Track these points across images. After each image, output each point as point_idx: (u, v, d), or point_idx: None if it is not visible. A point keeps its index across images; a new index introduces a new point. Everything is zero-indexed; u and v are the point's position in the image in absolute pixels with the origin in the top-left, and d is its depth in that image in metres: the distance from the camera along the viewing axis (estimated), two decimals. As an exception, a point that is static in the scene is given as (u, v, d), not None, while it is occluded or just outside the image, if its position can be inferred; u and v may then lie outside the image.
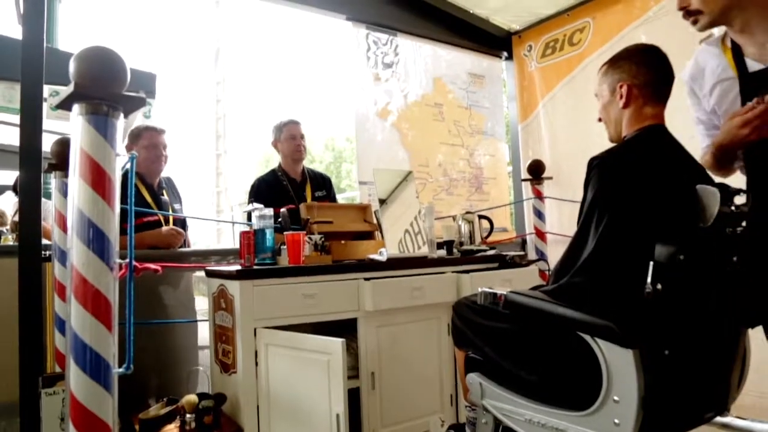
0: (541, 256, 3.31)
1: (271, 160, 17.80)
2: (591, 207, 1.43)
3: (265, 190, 2.93)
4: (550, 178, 3.37)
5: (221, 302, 2.19)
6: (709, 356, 1.39)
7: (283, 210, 2.52)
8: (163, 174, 2.88)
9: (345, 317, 2.22)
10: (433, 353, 2.42)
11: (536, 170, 3.31)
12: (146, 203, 2.71)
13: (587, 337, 1.37)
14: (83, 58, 1.25)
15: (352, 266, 2.28)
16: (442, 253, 2.69)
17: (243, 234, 2.20)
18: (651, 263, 1.29)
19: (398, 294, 2.29)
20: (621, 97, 1.52)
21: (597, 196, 1.42)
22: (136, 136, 2.75)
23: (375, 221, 2.74)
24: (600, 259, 1.38)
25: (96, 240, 1.24)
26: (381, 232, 2.61)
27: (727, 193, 1.37)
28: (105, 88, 1.26)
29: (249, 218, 2.48)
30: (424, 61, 3.37)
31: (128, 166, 1.39)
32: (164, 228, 2.70)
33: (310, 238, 2.38)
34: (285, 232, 2.27)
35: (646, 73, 1.51)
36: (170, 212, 2.79)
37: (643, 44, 1.57)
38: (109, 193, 1.26)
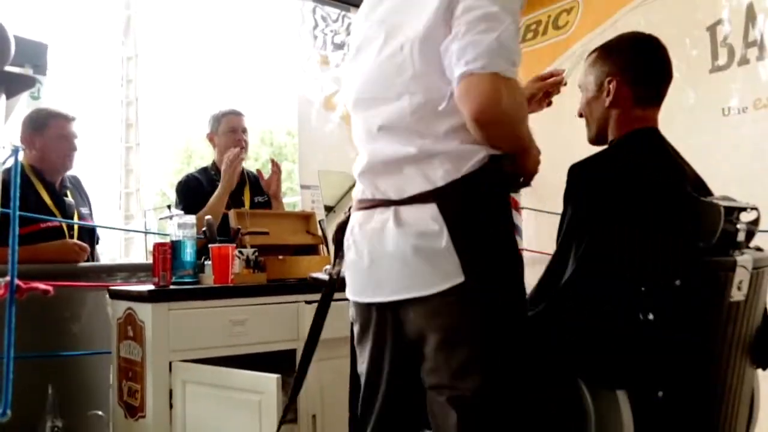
0: (517, 277, 3.35)
1: (194, 155, 17.44)
2: (570, 224, 1.46)
3: (194, 191, 2.87)
4: (528, 185, 3.42)
5: (128, 330, 2.12)
6: (711, 400, 1.43)
7: (208, 217, 2.48)
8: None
9: (281, 348, 2.20)
10: (388, 393, 2.41)
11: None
12: (45, 206, 2.60)
13: (571, 377, 1.39)
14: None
15: (292, 287, 2.26)
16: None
17: (157, 246, 2.15)
18: (642, 289, 1.32)
19: (345, 322, 2.27)
20: (608, 94, 1.55)
21: (577, 211, 1.46)
22: (41, 125, 2.64)
23: (320, 233, 2.72)
24: (581, 285, 1.40)
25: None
26: (327, 245, 2.60)
27: (733, 208, 1.42)
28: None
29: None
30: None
31: (10, 161, 1.33)
32: (68, 240, 2.60)
33: (240, 253, 2.34)
34: (210, 245, 2.22)
35: (640, 68, 1.55)
36: (75, 218, 2.71)
37: (640, 33, 1.62)
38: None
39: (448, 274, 1.17)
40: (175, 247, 2.28)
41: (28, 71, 1.25)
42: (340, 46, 3.28)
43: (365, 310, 1.37)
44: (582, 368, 1.36)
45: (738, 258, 1.42)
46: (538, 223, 3.58)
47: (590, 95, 1.61)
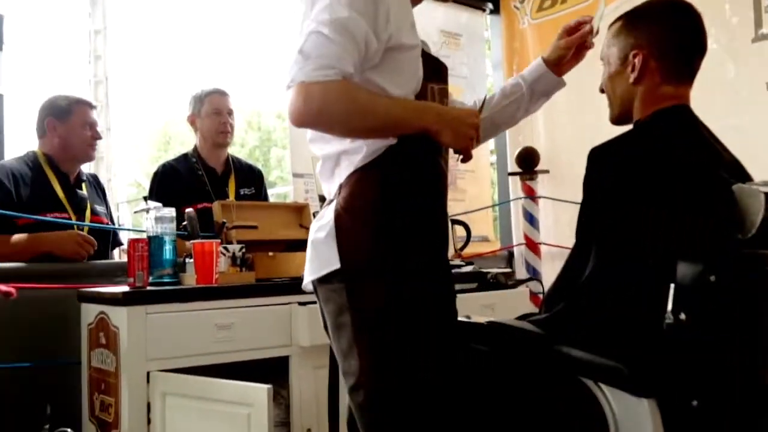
0: (534, 275, 3.36)
1: (173, 140, 17.37)
2: (592, 214, 1.46)
3: (173, 180, 2.89)
4: (546, 171, 3.43)
5: (100, 337, 2.13)
6: (751, 410, 1.43)
7: (189, 210, 2.48)
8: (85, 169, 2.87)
9: (272, 355, 2.20)
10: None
11: (528, 161, 3.36)
12: (56, 197, 2.63)
13: (590, 383, 1.39)
14: None
15: (283, 287, 2.26)
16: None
17: (132, 243, 2.15)
18: (672, 286, 1.32)
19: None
20: (633, 68, 1.55)
21: (599, 200, 1.45)
22: (66, 112, 2.69)
23: (314, 226, 2.72)
24: (604, 282, 1.41)
25: None
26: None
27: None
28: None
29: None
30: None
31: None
32: (73, 231, 2.61)
33: (226, 249, 2.35)
34: (192, 241, 2.22)
35: (671, 39, 1.54)
36: (87, 213, 2.74)
37: (673, 0, 1.60)
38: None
39: (328, 260, 1.36)
40: (153, 243, 2.29)
41: None
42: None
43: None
44: (606, 374, 1.37)
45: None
46: (557, 215, 3.57)
47: (613, 69, 1.60)
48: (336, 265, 1.35)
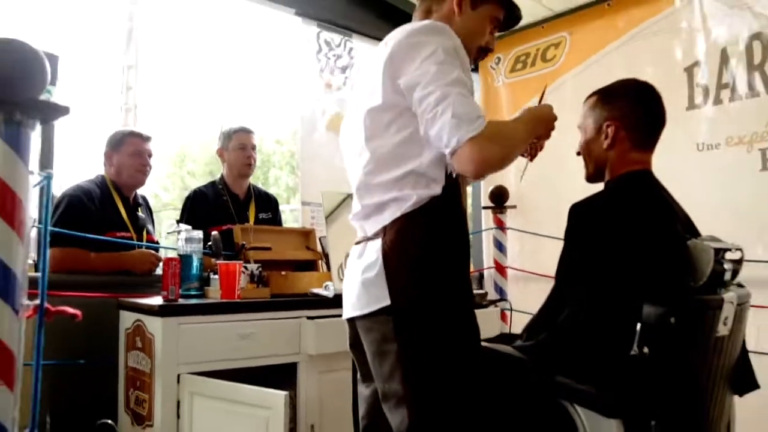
0: (501, 294, 3.37)
1: (186, 158, 17.25)
2: (572, 261, 1.47)
3: (202, 204, 2.84)
4: (513, 206, 3.45)
5: (136, 341, 2.08)
6: (698, 427, 1.44)
7: (215, 233, 2.45)
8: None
9: (284, 361, 2.17)
10: (382, 404, 2.39)
11: (499, 197, 3.38)
12: (121, 218, 2.61)
13: (566, 404, 1.39)
14: (-4, 56, 1.17)
15: (295, 303, 2.23)
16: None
17: (167, 261, 2.12)
18: (639, 325, 1.33)
19: (345, 336, 2.26)
20: (607, 137, 1.57)
21: (580, 250, 1.46)
22: (119, 142, 2.67)
23: (319, 249, 2.70)
24: (582, 319, 1.41)
25: (-1, 277, 1.15)
26: (327, 261, 2.58)
27: (720, 249, 1.44)
28: (19, 91, 1.18)
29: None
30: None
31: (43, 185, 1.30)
32: (145, 251, 2.61)
33: (245, 268, 2.32)
34: (217, 260, 2.19)
35: (639, 115, 1.57)
36: (143, 232, 2.71)
37: (639, 81, 1.63)
38: (18, 220, 1.18)
39: (378, 298, 1.32)
40: (183, 261, 2.26)
41: (65, 105, 1.22)
42: (342, 70, 3.27)
43: (348, 324, 1.54)
44: (581, 397, 1.37)
45: (724, 296, 1.44)
46: (522, 244, 3.59)
47: (589, 137, 1.62)
48: (386, 302, 1.30)
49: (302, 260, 2.67)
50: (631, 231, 1.42)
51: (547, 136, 1.52)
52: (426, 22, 1.37)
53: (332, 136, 3.18)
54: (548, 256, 3.35)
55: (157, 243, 2.84)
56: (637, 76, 2.92)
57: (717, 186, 2.72)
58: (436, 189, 1.34)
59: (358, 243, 1.48)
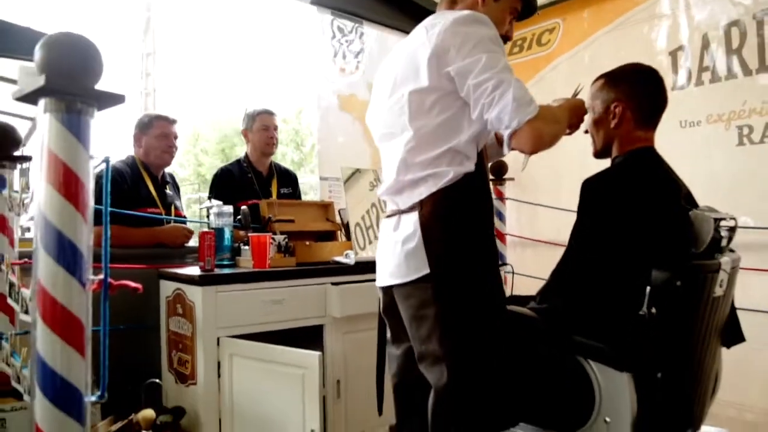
0: (502, 260, 3.36)
1: (200, 137, 17.09)
2: (586, 230, 1.46)
3: (229, 181, 2.80)
4: (512, 179, 3.43)
5: (177, 307, 2.07)
6: (695, 377, 1.45)
7: (244, 208, 2.43)
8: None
9: (311, 324, 2.17)
10: (399, 360, 2.40)
11: (499, 171, 3.36)
12: (150, 195, 2.58)
13: (582, 360, 1.40)
14: (54, 46, 1.12)
15: (320, 271, 2.22)
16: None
17: (203, 234, 2.09)
18: (648, 288, 1.33)
19: (366, 300, 2.25)
20: (614, 116, 1.54)
21: (593, 220, 1.45)
22: (147, 125, 2.63)
23: (338, 220, 2.68)
24: (595, 284, 1.40)
25: (67, 254, 1.12)
26: (348, 232, 2.56)
27: (718, 218, 1.43)
28: (80, 82, 1.13)
29: (207, 215, 2.36)
30: (389, 51, 3.31)
31: (101, 168, 1.27)
32: (178, 225, 2.60)
33: (273, 239, 2.30)
34: (249, 233, 2.17)
35: (643, 96, 1.54)
36: (172, 209, 2.68)
37: (643, 65, 1.60)
38: (82, 201, 1.15)
39: (418, 267, 1.32)
40: (216, 234, 2.24)
41: (120, 93, 1.19)
42: (355, 55, 3.21)
43: (381, 291, 1.53)
44: (595, 353, 1.37)
45: (721, 260, 1.43)
46: (519, 214, 3.58)
47: (597, 116, 1.59)
48: (425, 270, 1.31)
49: (323, 231, 2.65)
50: (639, 203, 1.41)
51: (578, 126, 1.53)
52: (468, 12, 1.34)
53: (345, 116, 3.14)
54: (543, 223, 3.38)
55: (185, 217, 2.81)
56: (625, 60, 2.91)
57: (698, 159, 2.70)
58: (470, 166, 1.34)
59: (389, 216, 1.47)
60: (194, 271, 2.08)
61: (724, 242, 1.45)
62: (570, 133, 1.53)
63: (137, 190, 2.54)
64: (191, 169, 16.95)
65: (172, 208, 2.66)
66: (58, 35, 1.15)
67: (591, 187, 1.46)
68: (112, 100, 1.20)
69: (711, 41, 2.76)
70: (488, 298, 1.35)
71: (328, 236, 2.67)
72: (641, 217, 1.39)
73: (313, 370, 1.72)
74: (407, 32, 3.34)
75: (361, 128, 3.19)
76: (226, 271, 2.09)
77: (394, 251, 1.39)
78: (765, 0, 2.59)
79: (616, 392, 1.34)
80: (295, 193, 2.94)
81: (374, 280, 2.27)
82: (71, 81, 1.12)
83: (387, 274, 1.43)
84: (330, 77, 3.09)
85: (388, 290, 1.47)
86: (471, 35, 1.29)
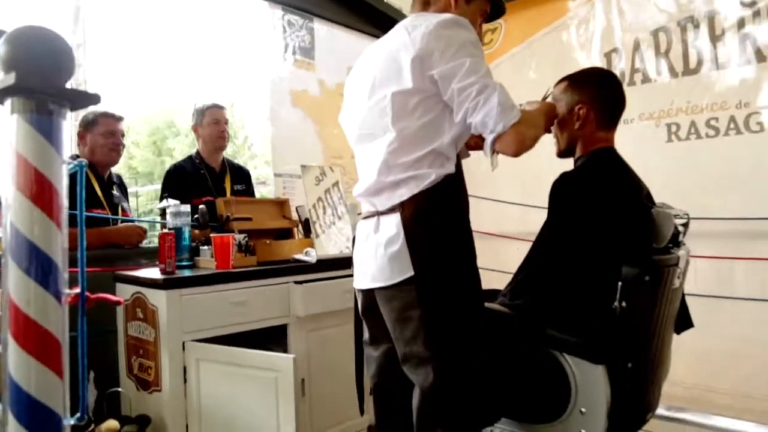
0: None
1: (132, 129, 16.13)
2: (556, 230, 1.47)
3: (181, 178, 2.63)
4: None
5: (137, 312, 1.93)
6: (656, 364, 1.51)
7: (202, 207, 2.31)
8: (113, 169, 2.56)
9: (275, 324, 2.09)
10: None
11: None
12: (96, 196, 2.36)
13: (557, 354, 1.41)
14: (23, 40, 0.99)
15: (283, 270, 2.14)
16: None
17: (163, 236, 1.96)
18: (619, 284, 1.36)
19: (329, 298, 2.20)
20: (578, 118, 1.57)
21: (562, 220, 1.46)
22: (91, 122, 2.40)
23: (294, 217, 2.60)
24: (567, 280, 1.42)
25: (40, 267, 1.00)
26: (306, 229, 2.49)
27: (675, 215, 1.48)
28: (51, 80, 1.01)
29: (163, 214, 2.22)
30: (339, 49, 3.23)
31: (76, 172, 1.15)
32: (129, 224, 2.41)
33: (233, 238, 2.20)
34: (208, 233, 2.05)
35: (605, 99, 1.57)
36: (119, 210, 2.48)
37: (604, 69, 1.64)
38: (55, 209, 1.02)
39: (402, 270, 1.29)
40: (175, 235, 2.11)
41: (95, 93, 1.06)
42: (305, 51, 3.11)
43: (360, 293, 1.48)
44: (571, 348, 1.39)
45: (679, 254, 1.49)
46: (478, 209, 3.61)
47: (561, 118, 1.60)
48: (409, 273, 1.27)
49: (280, 228, 2.56)
50: (606, 202, 1.43)
51: (549, 129, 1.55)
52: (449, 16, 1.31)
53: (297, 112, 3.04)
54: (505, 219, 3.41)
55: (131, 218, 2.62)
56: (563, 60, 2.98)
57: (632, 155, 2.80)
58: (450, 167, 1.32)
59: (367, 218, 1.42)
60: (154, 273, 1.94)
61: (680, 237, 1.51)
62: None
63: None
64: (122, 162, 16.01)
65: (120, 209, 2.47)
66: (25, 29, 1.02)
67: (559, 188, 1.48)
68: (85, 99, 1.08)
69: (641, 44, 2.88)
70: (470, 298, 1.34)
71: (286, 234, 2.58)
72: (608, 215, 1.41)
73: (287, 372, 1.65)
74: (354, 28, 3.30)
75: (314, 124, 3.11)
76: (189, 273, 1.97)
77: (376, 254, 1.34)
78: (688, 8, 2.73)
79: (591, 384, 1.36)
80: (249, 190, 2.82)
81: (336, 278, 2.25)
82: (42, 79, 1.00)
83: (368, 278, 1.38)
84: (281, 73, 2.98)
85: (368, 292, 1.42)
86: (454, 39, 1.27)
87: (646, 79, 2.86)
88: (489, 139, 1.27)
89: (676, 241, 1.50)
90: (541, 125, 1.40)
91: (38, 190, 1.01)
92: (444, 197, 1.31)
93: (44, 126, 1.01)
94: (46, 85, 1.00)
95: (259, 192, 3.50)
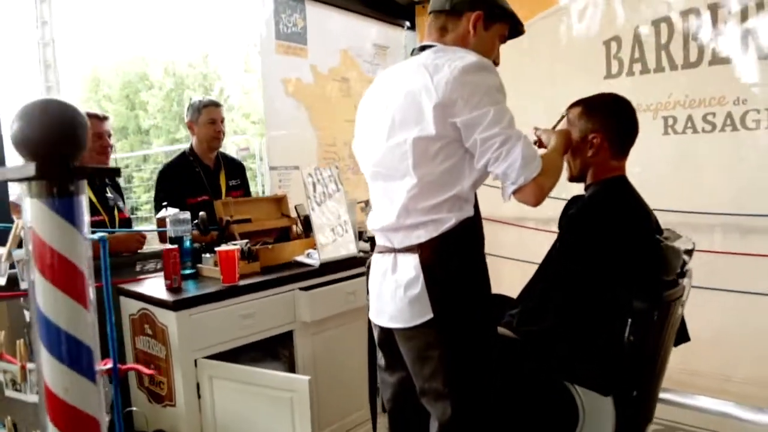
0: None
1: (103, 83, 15.44)
2: (568, 258, 1.49)
3: (175, 178, 2.56)
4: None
5: (145, 327, 1.93)
6: (657, 383, 1.57)
7: (202, 214, 2.27)
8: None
9: (282, 331, 2.11)
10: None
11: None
12: (91, 203, 2.27)
13: (568, 385, 1.46)
14: (37, 120, 0.94)
15: (288, 278, 2.14)
16: (367, 246, 2.63)
17: (166, 252, 1.93)
18: (629, 320, 1.39)
19: (334, 301, 2.23)
20: (592, 146, 1.56)
21: (575, 250, 1.48)
22: None
23: (294, 214, 2.58)
24: (578, 312, 1.45)
25: (73, 353, 1.00)
26: (305, 228, 2.47)
27: (687, 250, 1.51)
28: (71, 161, 0.97)
29: (160, 224, 2.18)
30: (333, 31, 3.11)
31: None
32: (131, 232, 2.38)
33: (235, 245, 2.18)
34: (217, 248, 2.02)
35: (619, 128, 1.56)
36: (115, 212, 2.41)
37: (618, 96, 1.61)
38: (82, 292, 1.01)
39: (422, 312, 1.31)
40: (173, 242, 2.09)
41: (116, 168, 1.00)
42: (298, 35, 2.99)
43: (377, 327, 1.50)
44: (581, 379, 1.44)
45: (684, 283, 1.53)
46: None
47: (574, 144, 1.60)
48: (429, 315, 1.30)
49: (280, 227, 2.55)
50: (618, 236, 1.45)
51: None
52: (473, 59, 1.26)
53: (292, 102, 2.96)
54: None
55: (129, 219, 2.56)
56: (561, 45, 2.91)
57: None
58: (469, 210, 1.34)
59: (382, 253, 1.43)
60: (160, 289, 1.93)
61: (686, 267, 1.55)
62: None
63: None
64: (93, 116, 15.45)
65: (116, 210, 2.41)
66: (40, 105, 0.97)
67: (573, 218, 1.49)
68: (105, 173, 1.05)
69: (642, 34, 2.83)
70: (487, 337, 1.37)
71: (285, 231, 2.57)
72: (621, 250, 1.43)
73: (302, 393, 1.68)
74: (348, 9, 3.17)
75: (306, 113, 3.03)
76: (195, 287, 1.96)
77: (395, 295, 1.36)
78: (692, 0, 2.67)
79: (599, 414, 1.42)
80: (243, 183, 2.76)
81: (339, 281, 2.27)
82: (62, 161, 0.96)
83: (386, 315, 1.40)
84: (274, 60, 2.87)
85: (386, 329, 1.44)
86: (479, 86, 1.24)
87: (645, 70, 2.83)
88: (509, 189, 1.27)
89: (682, 272, 1.53)
90: (561, 168, 1.40)
91: (65, 276, 0.99)
92: (462, 240, 1.32)
93: (65, 208, 0.98)
94: (66, 168, 0.96)
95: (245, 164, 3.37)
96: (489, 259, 1.44)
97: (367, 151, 1.46)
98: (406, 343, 1.38)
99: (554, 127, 1.64)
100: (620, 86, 2.89)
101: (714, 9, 2.62)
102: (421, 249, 1.32)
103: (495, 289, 1.45)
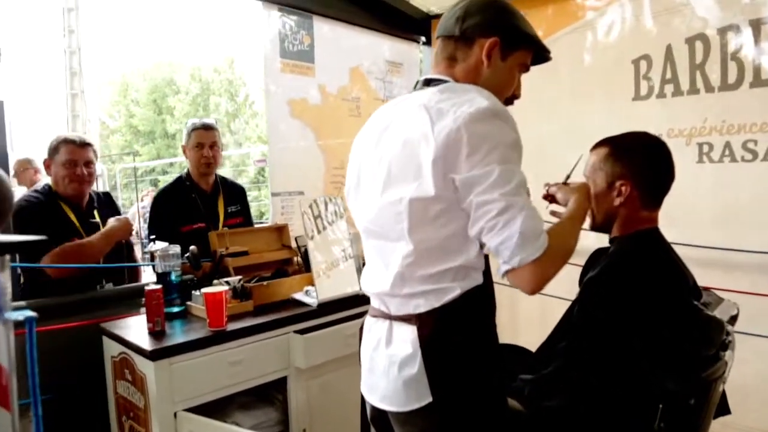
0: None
1: (131, 87, 15.67)
2: (594, 326, 1.27)
3: (169, 204, 2.39)
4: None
5: (125, 372, 1.78)
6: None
7: (192, 248, 2.10)
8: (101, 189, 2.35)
9: (274, 378, 1.93)
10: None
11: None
12: (72, 227, 2.13)
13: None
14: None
15: (282, 320, 1.95)
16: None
17: (149, 293, 1.77)
18: (660, 406, 1.17)
19: (332, 345, 2.03)
20: (619, 194, 1.34)
21: (601, 318, 1.26)
22: (53, 150, 2.13)
23: (294, 245, 2.40)
24: (603, 388, 1.23)
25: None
26: (305, 261, 2.29)
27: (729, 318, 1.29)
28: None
29: (152, 258, 2.02)
30: (341, 48, 2.93)
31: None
32: (124, 218, 2.25)
33: (227, 282, 2.01)
34: (203, 290, 1.85)
35: (652, 175, 1.34)
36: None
37: (651, 137, 1.39)
38: (4, 391, 0.84)
39: (419, 396, 1.11)
40: (162, 280, 1.94)
41: (42, 238, 0.90)
42: (304, 54, 2.81)
43: (369, 404, 1.28)
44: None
45: (726, 358, 1.30)
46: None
47: (599, 190, 1.37)
48: (428, 399, 1.09)
49: (279, 260, 2.37)
50: (649, 303, 1.22)
51: None
52: (485, 105, 1.02)
53: (297, 124, 2.78)
54: None
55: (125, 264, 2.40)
56: (585, 63, 2.67)
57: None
58: (478, 278, 1.10)
59: (376, 317, 1.22)
60: (141, 333, 1.77)
61: (729, 338, 1.32)
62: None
63: (55, 221, 2.08)
64: (122, 121, 15.64)
65: None
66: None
67: (596, 282, 1.27)
68: (28, 247, 0.88)
69: (675, 53, 2.58)
70: (493, 416, 1.15)
71: (284, 263, 2.39)
72: (653, 320, 1.21)
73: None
74: (358, 24, 2.99)
75: (313, 135, 2.85)
76: (179, 333, 1.79)
77: (388, 373, 1.14)
78: (730, 15, 2.42)
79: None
80: (244, 209, 2.58)
81: (339, 321, 2.07)
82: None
83: (377, 394, 1.19)
84: (279, 81, 2.70)
85: (378, 408, 1.23)
86: (486, 138, 1.00)
87: (677, 92, 2.58)
88: (501, 269, 1.04)
89: (725, 345, 1.30)
90: (573, 246, 1.12)
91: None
92: (467, 312, 1.10)
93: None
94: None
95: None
96: (505, 290, 1.21)
97: (360, 204, 1.24)
98: (401, 427, 1.17)
99: (569, 176, 1.41)
100: (650, 109, 2.65)
101: (756, 25, 2.36)
102: (419, 320, 1.10)
103: (510, 322, 1.23)
